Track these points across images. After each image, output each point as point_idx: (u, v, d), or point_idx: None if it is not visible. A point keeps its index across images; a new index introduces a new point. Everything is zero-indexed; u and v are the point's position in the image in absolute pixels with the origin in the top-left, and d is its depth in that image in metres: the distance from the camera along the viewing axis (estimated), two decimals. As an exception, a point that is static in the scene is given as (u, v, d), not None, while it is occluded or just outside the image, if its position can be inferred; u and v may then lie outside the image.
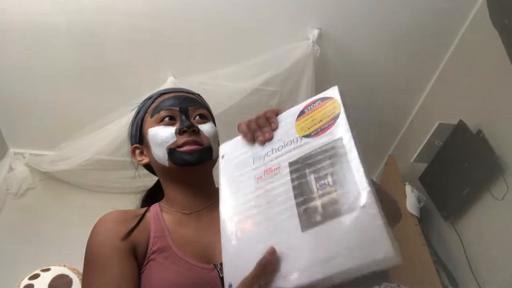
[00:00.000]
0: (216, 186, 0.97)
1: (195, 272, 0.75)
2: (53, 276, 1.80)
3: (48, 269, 1.84)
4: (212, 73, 2.03)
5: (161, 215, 0.86)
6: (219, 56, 2.07)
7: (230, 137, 0.76)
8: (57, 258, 1.87)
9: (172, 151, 0.86)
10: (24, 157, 2.42)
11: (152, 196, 1.01)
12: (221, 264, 0.77)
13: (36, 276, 1.79)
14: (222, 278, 0.71)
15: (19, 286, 1.76)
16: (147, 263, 0.77)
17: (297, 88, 2.05)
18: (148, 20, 1.93)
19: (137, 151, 0.96)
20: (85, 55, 2.03)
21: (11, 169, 2.40)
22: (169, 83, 2.03)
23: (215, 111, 1.02)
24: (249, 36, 2.01)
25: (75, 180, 2.39)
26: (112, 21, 1.92)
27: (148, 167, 0.98)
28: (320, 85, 2.06)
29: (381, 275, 2.00)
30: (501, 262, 1.57)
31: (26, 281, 1.77)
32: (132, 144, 0.98)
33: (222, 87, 2.00)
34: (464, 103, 1.92)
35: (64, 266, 1.86)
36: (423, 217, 1.96)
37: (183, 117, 0.89)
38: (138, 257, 0.78)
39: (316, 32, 1.97)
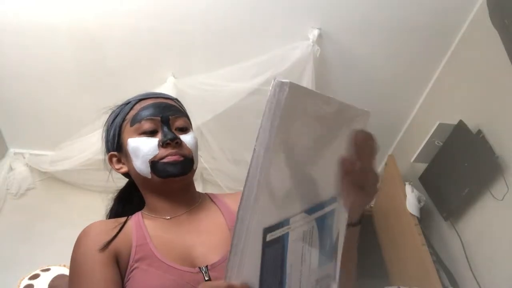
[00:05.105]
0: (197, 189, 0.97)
1: (180, 276, 0.75)
2: (53, 276, 1.80)
3: (48, 269, 1.84)
4: (212, 73, 2.03)
5: (143, 222, 0.86)
6: (219, 56, 2.07)
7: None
8: (57, 258, 1.86)
9: (154, 164, 0.85)
10: (24, 157, 2.42)
11: (125, 197, 1.00)
12: (206, 267, 0.77)
13: (36, 276, 1.79)
14: (207, 282, 0.72)
15: (19, 286, 1.76)
16: (132, 271, 0.77)
17: (297, 88, 2.05)
18: (148, 21, 1.93)
19: (114, 159, 0.93)
20: (85, 55, 2.04)
21: (11, 169, 2.40)
22: (169, 83, 2.03)
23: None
24: (249, 36, 2.01)
25: (75, 180, 2.38)
26: (112, 22, 1.93)
27: (125, 174, 0.95)
28: (320, 85, 2.06)
29: (381, 275, 2.00)
30: (501, 262, 1.57)
31: (26, 281, 1.77)
32: (108, 151, 0.95)
33: (222, 87, 2.00)
34: (464, 103, 1.92)
35: (64, 266, 1.86)
36: (423, 217, 1.96)
37: (165, 128, 0.88)
38: (120, 265, 0.78)
39: (316, 32, 1.97)
